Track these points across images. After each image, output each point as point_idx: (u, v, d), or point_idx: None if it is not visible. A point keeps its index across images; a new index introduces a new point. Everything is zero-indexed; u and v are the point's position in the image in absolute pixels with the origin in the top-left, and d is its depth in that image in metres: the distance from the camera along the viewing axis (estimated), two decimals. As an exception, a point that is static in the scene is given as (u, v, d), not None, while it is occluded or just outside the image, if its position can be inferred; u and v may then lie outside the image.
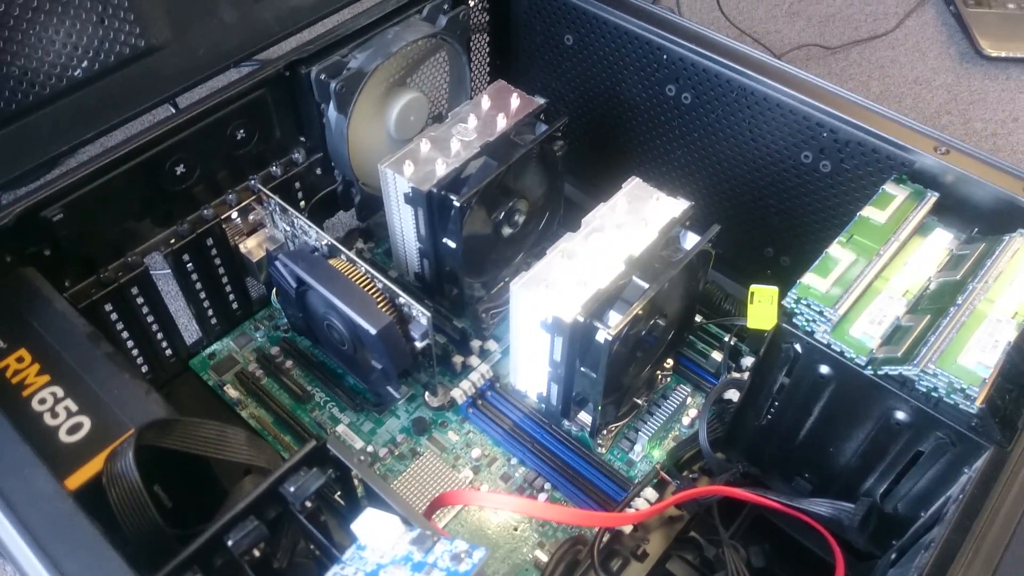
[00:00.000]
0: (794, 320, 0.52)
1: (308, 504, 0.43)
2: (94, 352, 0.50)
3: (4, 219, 0.51)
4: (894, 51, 1.16)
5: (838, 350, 0.50)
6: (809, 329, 0.51)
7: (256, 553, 0.42)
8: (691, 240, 0.59)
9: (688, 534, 0.62)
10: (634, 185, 0.61)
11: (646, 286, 0.53)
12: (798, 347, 0.52)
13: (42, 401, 0.48)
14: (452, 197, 0.59)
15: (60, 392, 0.48)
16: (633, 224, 0.58)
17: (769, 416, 0.58)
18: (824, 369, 0.52)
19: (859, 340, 0.49)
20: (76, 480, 0.44)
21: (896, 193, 0.57)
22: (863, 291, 0.52)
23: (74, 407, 0.47)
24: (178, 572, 0.38)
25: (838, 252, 0.54)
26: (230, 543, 0.39)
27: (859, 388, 0.50)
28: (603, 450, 0.65)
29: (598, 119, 0.79)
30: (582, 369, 0.55)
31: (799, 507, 0.55)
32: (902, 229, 0.55)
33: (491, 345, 0.70)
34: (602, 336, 0.52)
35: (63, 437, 0.46)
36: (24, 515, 0.38)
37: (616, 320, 0.53)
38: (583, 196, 0.83)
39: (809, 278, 0.52)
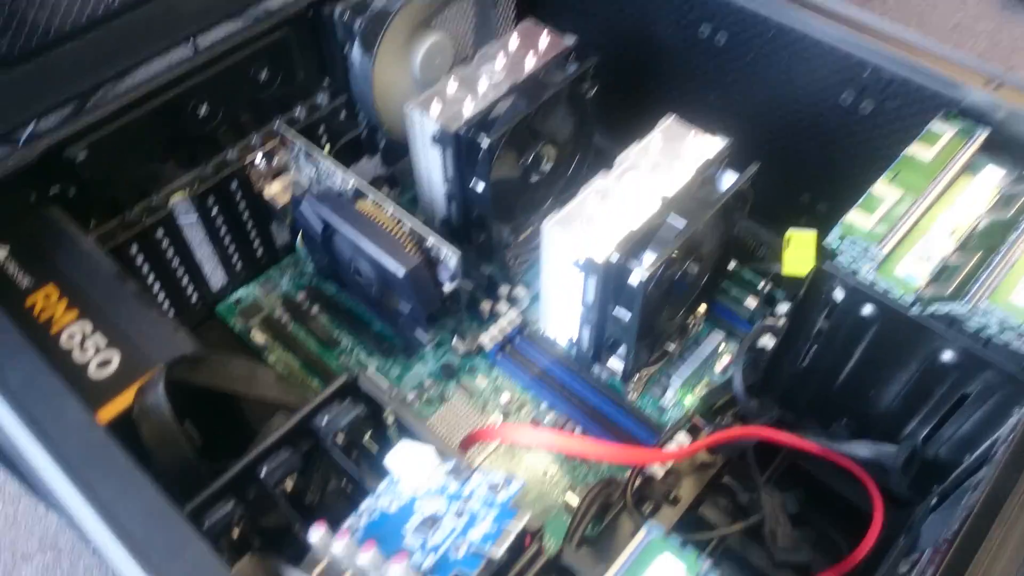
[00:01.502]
0: (837, 260, 0.50)
1: (339, 437, 0.42)
2: (121, 290, 0.50)
3: (28, 156, 0.50)
4: (924, 1, 1.13)
5: (883, 289, 0.48)
6: (853, 269, 0.49)
7: (288, 485, 0.42)
8: (728, 179, 0.57)
9: (721, 480, 0.61)
10: (670, 123, 0.59)
11: (682, 225, 0.52)
12: (840, 288, 0.50)
13: (71, 336, 0.47)
14: (481, 137, 0.57)
15: (89, 328, 0.48)
16: (668, 163, 0.57)
17: (806, 360, 0.57)
18: (867, 310, 0.50)
19: (905, 278, 0.48)
20: (106, 414, 0.44)
21: (943, 130, 0.55)
22: (910, 229, 0.50)
23: (103, 342, 0.47)
24: (213, 501, 0.38)
25: (883, 190, 0.52)
26: (263, 473, 0.39)
27: (903, 329, 0.49)
28: (634, 396, 0.64)
29: (628, 62, 0.77)
30: (615, 311, 0.54)
31: (839, 450, 0.53)
32: (950, 167, 0.53)
33: (519, 291, 0.69)
34: (636, 277, 0.51)
35: (92, 372, 0.46)
36: (57, 444, 0.37)
37: (651, 260, 0.51)
38: (611, 144, 0.81)
39: (853, 216, 0.50)
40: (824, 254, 0.51)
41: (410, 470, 0.39)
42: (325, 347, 0.67)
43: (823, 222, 0.64)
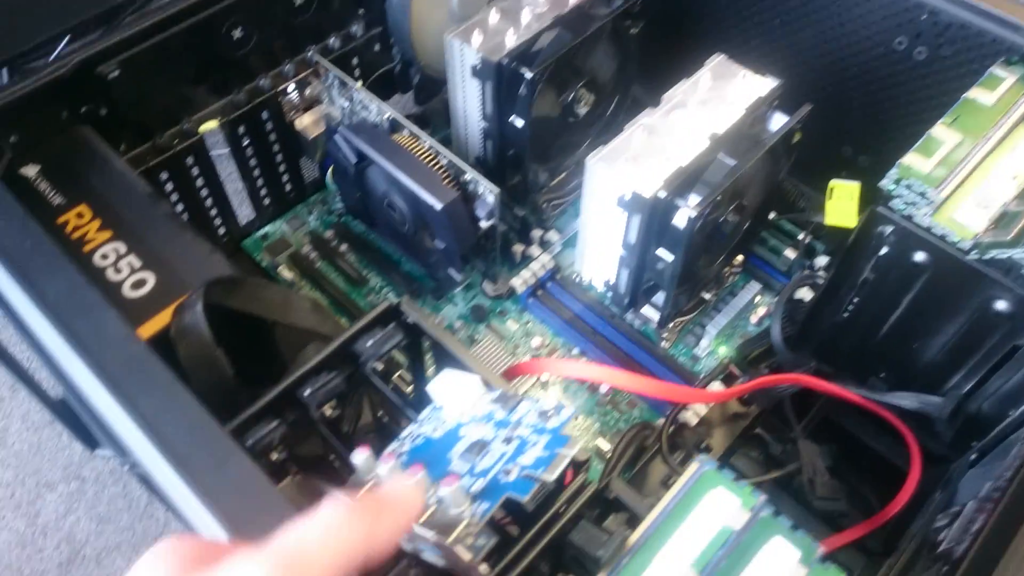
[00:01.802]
0: (891, 203, 0.48)
1: (380, 366, 0.41)
2: (155, 211, 0.49)
3: (61, 69, 0.49)
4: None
5: (939, 234, 0.47)
6: (907, 213, 0.48)
7: (328, 411, 0.41)
8: (779, 121, 0.55)
9: (753, 431, 0.60)
10: (718, 62, 0.57)
11: (733, 163, 0.50)
12: (891, 233, 0.49)
13: (104, 256, 0.46)
14: (524, 69, 0.55)
15: (123, 248, 0.47)
16: (717, 101, 0.55)
17: (848, 312, 0.56)
18: (919, 256, 0.48)
19: (963, 223, 0.46)
20: (144, 332, 0.43)
21: (1005, 75, 0.53)
22: (969, 173, 0.48)
23: (137, 263, 0.46)
24: (254, 421, 0.37)
25: (942, 133, 0.50)
26: (307, 393, 0.38)
27: (957, 276, 0.47)
28: (667, 344, 0.63)
29: (669, 4, 0.74)
30: (658, 251, 0.53)
31: (881, 400, 0.52)
32: (1012, 112, 0.51)
33: (552, 235, 0.68)
34: (684, 215, 0.49)
35: (127, 292, 0.45)
36: (98, 357, 0.36)
37: (699, 199, 0.50)
38: (648, 93, 0.79)
39: (911, 158, 0.49)
40: (876, 199, 0.49)
41: (454, 398, 0.38)
42: (353, 285, 0.66)
43: (864, 176, 0.63)
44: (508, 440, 0.35)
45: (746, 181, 0.54)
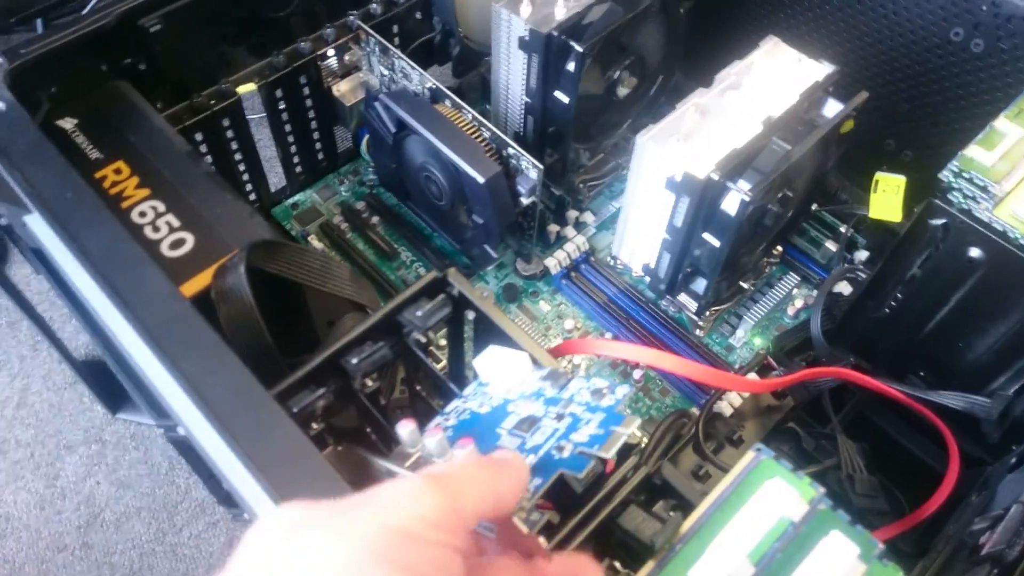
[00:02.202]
0: (949, 196, 0.47)
1: (423, 338, 0.40)
2: (194, 170, 0.47)
3: (103, 20, 0.47)
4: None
5: (1000, 228, 0.45)
6: (966, 206, 0.47)
7: (369, 383, 0.40)
8: (833, 108, 0.53)
9: (786, 424, 0.59)
10: (773, 44, 0.56)
11: (787, 148, 0.49)
12: (947, 226, 0.48)
13: (142, 214, 0.45)
14: (573, 43, 0.54)
15: (161, 206, 0.45)
16: (771, 84, 0.53)
17: (891, 306, 0.54)
18: (975, 252, 0.47)
19: (1025, 219, 0.45)
20: (184, 292, 0.42)
21: (1071, 70, 0.52)
22: (1033, 169, 0.47)
23: (176, 222, 0.45)
24: (297, 388, 0.36)
25: (1005, 126, 0.49)
26: (353, 362, 0.36)
27: (1015, 272, 0.46)
28: (702, 333, 0.62)
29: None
30: (704, 235, 0.51)
31: (926, 399, 0.51)
32: (1078, 108, 0.49)
33: (588, 217, 0.66)
34: (736, 199, 0.48)
35: (165, 251, 0.44)
36: (140, 314, 0.35)
37: (751, 184, 0.48)
38: (690, 80, 0.77)
39: (973, 151, 0.47)
40: (933, 190, 0.48)
41: (502, 375, 0.37)
42: (383, 258, 0.65)
43: (907, 169, 0.61)
44: (559, 417, 0.34)
45: (796, 169, 0.53)
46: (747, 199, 0.47)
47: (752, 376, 0.58)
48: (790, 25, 0.69)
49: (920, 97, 0.65)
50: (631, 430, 0.32)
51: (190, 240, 0.44)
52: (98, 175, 0.46)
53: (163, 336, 0.34)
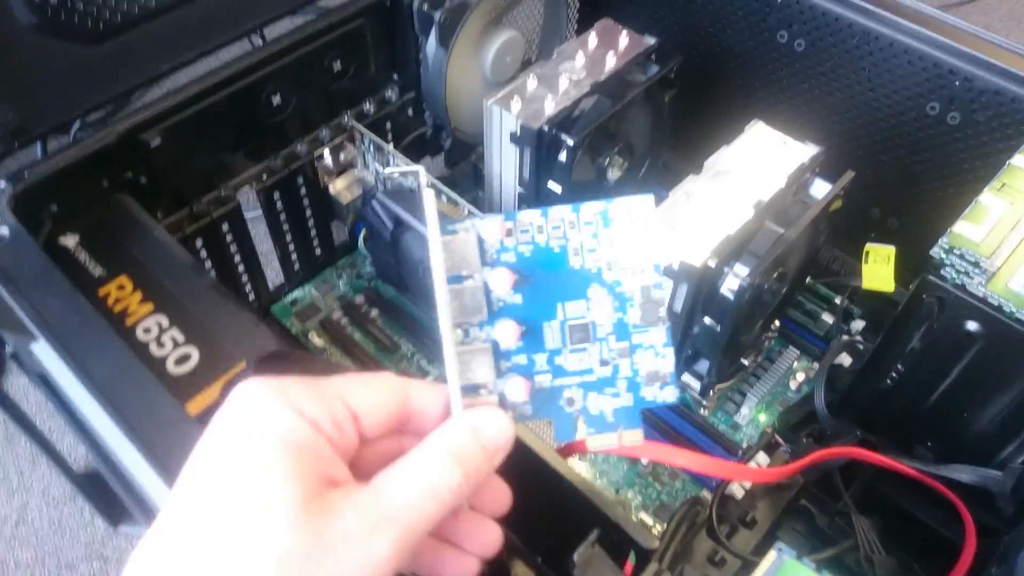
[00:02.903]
0: (942, 272, 0.48)
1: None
2: (197, 282, 0.48)
3: (106, 138, 0.48)
4: (987, 17, 1.11)
5: (995, 303, 0.46)
6: (959, 282, 0.47)
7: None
8: (820, 187, 0.55)
9: (799, 502, 0.58)
10: (758, 128, 0.57)
11: (780, 231, 0.50)
12: (943, 302, 0.48)
13: (147, 330, 0.45)
14: (565, 136, 0.55)
15: (165, 321, 0.45)
16: (759, 168, 0.55)
17: (893, 379, 0.55)
18: (972, 326, 0.48)
19: (1019, 292, 0.46)
20: (193, 408, 0.41)
21: (1048, 142, 0.53)
22: (1021, 240, 0.48)
23: (181, 337, 0.45)
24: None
25: (990, 200, 0.50)
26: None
27: (1012, 346, 0.46)
28: (706, 412, 0.61)
29: (698, 69, 0.75)
30: (705, 320, 0.52)
31: (937, 474, 0.51)
32: (1059, 179, 0.51)
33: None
34: (734, 283, 0.49)
35: (171, 368, 0.44)
36: (147, 439, 0.35)
37: (747, 268, 0.49)
38: (677, 158, 0.79)
39: (961, 227, 0.48)
40: (925, 267, 0.49)
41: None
42: (384, 352, 0.65)
43: (894, 238, 0.62)
44: (605, 363, 0.30)
45: (789, 248, 0.54)
46: (744, 284, 0.48)
47: (761, 455, 0.57)
48: (771, 105, 0.71)
49: (903, 168, 0.66)
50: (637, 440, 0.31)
51: (195, 355, 0.44)
52: (102, 292, 0.47)
53: (173, 461, 0.34)
